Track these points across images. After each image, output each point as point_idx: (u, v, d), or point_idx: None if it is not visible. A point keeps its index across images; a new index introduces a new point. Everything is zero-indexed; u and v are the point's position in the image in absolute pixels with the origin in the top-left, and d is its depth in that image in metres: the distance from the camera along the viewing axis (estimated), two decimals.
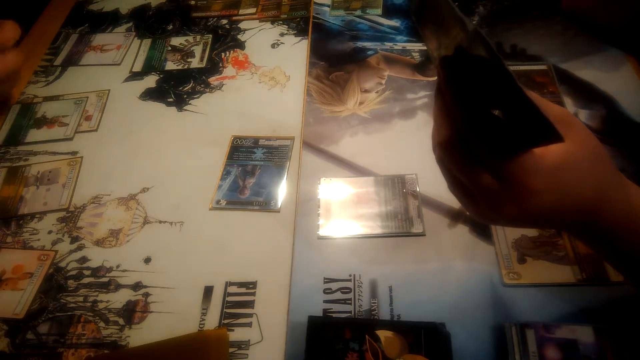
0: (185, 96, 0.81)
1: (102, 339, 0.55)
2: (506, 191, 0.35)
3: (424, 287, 0.55)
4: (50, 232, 0.65)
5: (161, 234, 0.64)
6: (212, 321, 0.56)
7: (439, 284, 0.55)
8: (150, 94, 0.82)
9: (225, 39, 0.90)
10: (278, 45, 0.87)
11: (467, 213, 0.59)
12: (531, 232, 0.58)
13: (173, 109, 0.79)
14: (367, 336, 0.50)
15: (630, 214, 0.38)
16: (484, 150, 0.34)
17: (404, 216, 0.61)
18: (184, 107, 0.79)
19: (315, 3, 0.93)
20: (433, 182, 0.63)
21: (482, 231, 0.59)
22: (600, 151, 0.37)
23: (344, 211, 0.63)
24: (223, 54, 0.87)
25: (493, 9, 0.86)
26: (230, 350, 0.53)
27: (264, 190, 0.66)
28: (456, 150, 0.36)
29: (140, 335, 0.55)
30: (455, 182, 0.39)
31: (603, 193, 0.37)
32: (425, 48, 0.81)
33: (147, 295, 0.58)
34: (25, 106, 0.82)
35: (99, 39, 0.93)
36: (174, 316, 0.57)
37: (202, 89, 0.82)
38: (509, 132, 0.33)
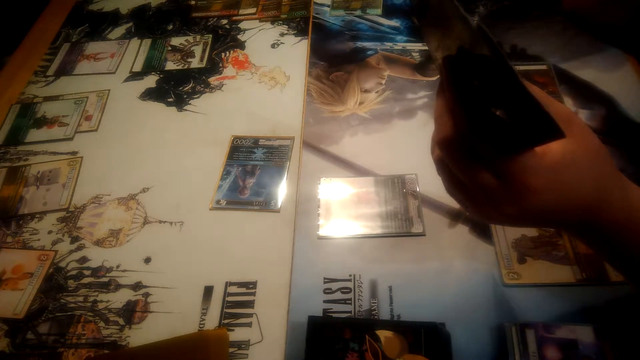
0: (185, 96, 0.81)
1: (102, 339, 0.55)
2: (507, 190, 0.35)
3: (424, 287, 0.55)
4: (50, 232, 0.65)
5: (161, 234, 0.64)
6: (212, 321, 0.56)
7: (439, 284, 0.55)
8: (150, 94, 0.82)
9: (225, 39, 0.90)
10: (278, 45, 0.87)
11: (467, 213, 0.59)
12: (531, 232, 0.58)
13: (173, 109, 0.79)
14: (367, 336, 0.50)
15: (630, 213, 0.38)
16: (486, 150, 0.34)
17: (404, 216, 0.61)
18: (184, 107, 0.79)
19: (315, 3, 0.93)
20: (433, 182, 0.63)
21: (482, 231, 0.59)
22: (601, 150, 0.37)
23: (344, 211, 0.63)
24: (223, 54, 0.87)
25: (493, 9, 0.86)
26: (230, 350, 0.53)
27: (264, 190, 0.66)
28: (457, 149, 0.36)
29: (140, 335, 0.55)
30: (455, 182, 0.39)
31: (603, 192, 0.37)
32: (425, 48, 0.81)
33: (147, 295, 0.58)
34: (25, 106, 0.82)
35: (92, 47, 0.92)
36: (174, 316, 0.57)
37: (202, 89, 0.82)
38: (511, 132, 0.33)
